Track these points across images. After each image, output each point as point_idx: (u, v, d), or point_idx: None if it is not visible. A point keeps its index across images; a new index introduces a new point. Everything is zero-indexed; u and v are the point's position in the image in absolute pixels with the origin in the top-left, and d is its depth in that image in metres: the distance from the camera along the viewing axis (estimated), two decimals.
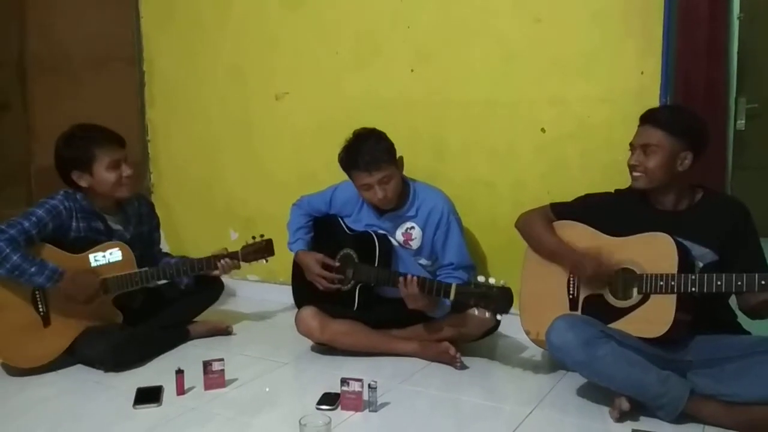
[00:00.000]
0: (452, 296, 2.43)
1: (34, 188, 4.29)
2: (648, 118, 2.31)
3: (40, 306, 2.64)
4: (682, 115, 2.31)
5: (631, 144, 2.35)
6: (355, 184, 2.75)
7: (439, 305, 2.64)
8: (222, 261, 2.84)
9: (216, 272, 2.88)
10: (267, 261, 2.99)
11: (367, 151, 2.65)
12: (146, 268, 2.78)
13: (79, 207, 2.71)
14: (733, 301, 2.30)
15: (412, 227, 2.80)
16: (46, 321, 2.65)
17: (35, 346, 2.62)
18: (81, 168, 2.70)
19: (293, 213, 3.03)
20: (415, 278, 2.52)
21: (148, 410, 2.27)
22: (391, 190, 2.70)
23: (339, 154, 2.75)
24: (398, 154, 2.74)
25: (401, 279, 2.55)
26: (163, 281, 2.91)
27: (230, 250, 2.91)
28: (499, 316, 2.35)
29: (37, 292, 2.63)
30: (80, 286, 2.61)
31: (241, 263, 2.92)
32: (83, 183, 2.72)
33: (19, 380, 2.57)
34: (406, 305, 2.59)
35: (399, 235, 2.81)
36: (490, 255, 3.10)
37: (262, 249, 2.93)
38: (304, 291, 2.93)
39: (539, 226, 2.53)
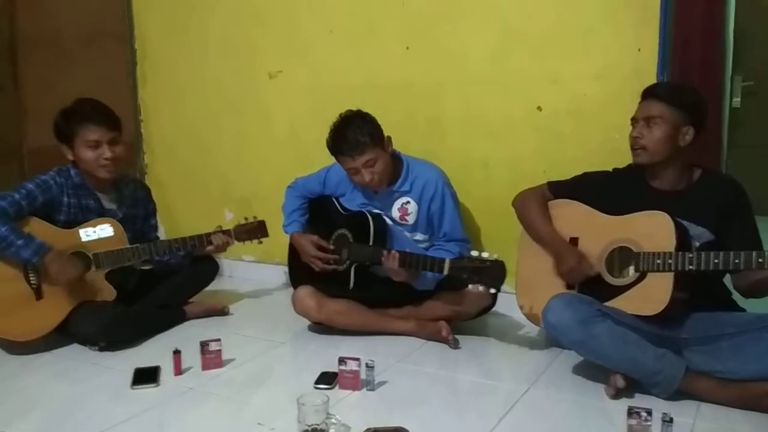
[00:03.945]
0: (446, 271, 2.44)
1: (26, 168, 4.27)
2: (650, 92, 2.31)
3: (32, 278, 2.61)
4: (684, 89, 2.32)
5: (633, 118, 2.34)
6: (343, 168, 2.75)
7: (420, 277, 2.65)
8: (215, 236, 2.90)
9: (210, 248, 2.92)
10: (261, 242, 3.05)
11: (350, 135, 2.64)
12: (137, 245, 2.79)
13: (71, 183, 2.71)
14: (727, 279, 2.31)
15: (408, 202, 2.79)
16: (38, 294, 2.63)
17: (28, 319, 2.60)
18: (66, 142, 2.73)
19: (288, 195, 3.02)
20: (396, 253, 2.55)
21: (146, 390, 2.27)
22: (378, 172, 2.68)
23: (326, 139, 2.73)
24: (386, 135, 2.71)
25: (384, 253, 2.58)
26: (158, 259, 2.92)
27: (224, 229, 2.97)
28: (492, 290, 2.35)
29: (29, 265, 2.61)
30: (62, 267, 2.58)
31: (234, 241, 2.98)
32: (70, 157, 2.73)
33: (14, 362, 2.56)
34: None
35: (395, 210, 2.80)
36: (486, 233, 3.09)
37: (254, 229, 3.03)
38: (300, 272, 2.93)
39: (534, 209, 2.53)
